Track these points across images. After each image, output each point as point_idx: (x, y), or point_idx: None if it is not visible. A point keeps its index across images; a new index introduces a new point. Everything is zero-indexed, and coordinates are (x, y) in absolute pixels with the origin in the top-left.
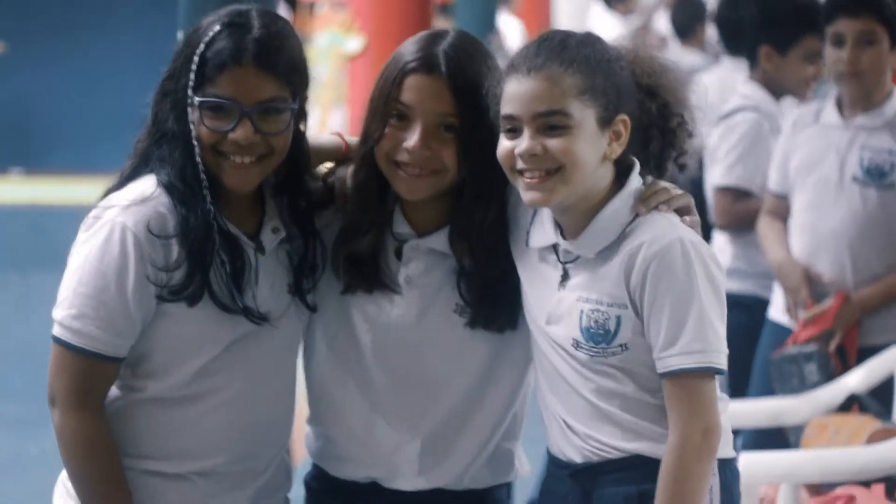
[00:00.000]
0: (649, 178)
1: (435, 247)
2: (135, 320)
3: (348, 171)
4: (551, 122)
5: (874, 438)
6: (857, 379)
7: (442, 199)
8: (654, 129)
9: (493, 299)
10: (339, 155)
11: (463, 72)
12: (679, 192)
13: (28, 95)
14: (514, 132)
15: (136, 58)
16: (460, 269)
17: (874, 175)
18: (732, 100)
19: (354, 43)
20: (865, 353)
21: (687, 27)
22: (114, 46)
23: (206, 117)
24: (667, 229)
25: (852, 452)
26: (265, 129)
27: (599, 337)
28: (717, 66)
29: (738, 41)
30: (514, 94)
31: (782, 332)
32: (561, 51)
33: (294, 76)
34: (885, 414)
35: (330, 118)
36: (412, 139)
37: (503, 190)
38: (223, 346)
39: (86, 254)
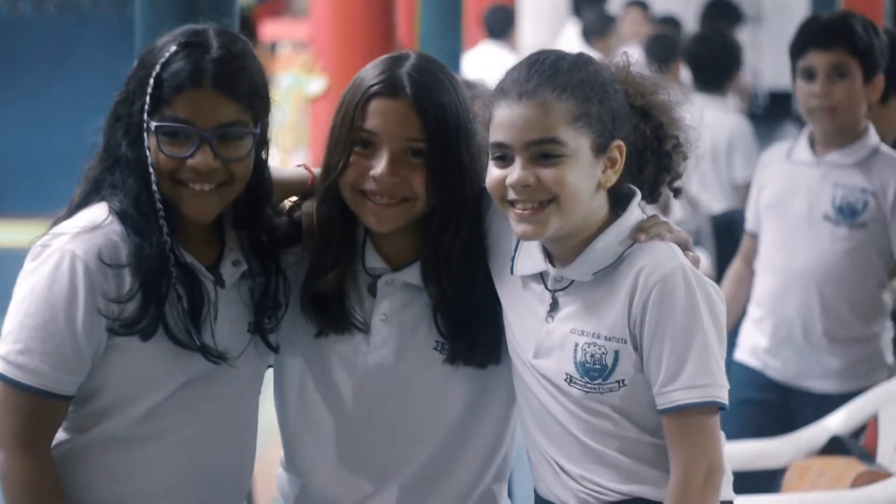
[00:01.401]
0: (649, 210)
1: (410, 280)
2: (84, 355)
3: (315, 205)
4: (544, 151)
5: (859, 482)
6: (840, 421)
7: (415, 230)
8: (649, 152)
9: (471, 332)
10: (306, 188)
11: (429, 94)
12: (679, 229)
13: None
14: (505, 160)
15: (94, 100)
16: (435, 300)
17: (846, 213)
18: None
19: (316, 84)
20: (845, 398)
21: (661, 64)
22: (71, 88)
23: (163, 143)
24: (668, 256)
25: (838, 496)
26: (225, 156)
27: (595, 372)
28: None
29: (708, 77)
30: (505, 121)
31: (749, 373)
32: (553, 75)
33: (255, 100)
34: (868, 456)
35: (291, 161)
36: (379, 166)
37: (473, 215)
38: (177, 384)
39: (33, 284)
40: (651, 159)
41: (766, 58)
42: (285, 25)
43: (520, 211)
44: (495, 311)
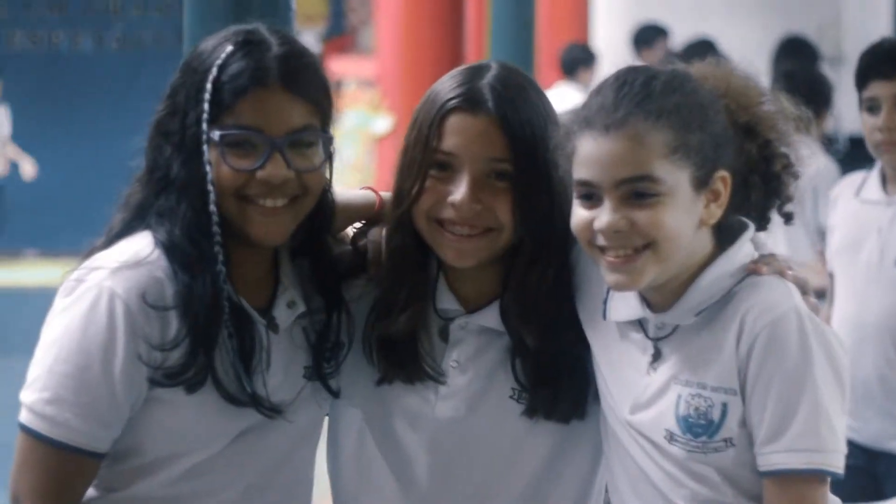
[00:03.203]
0: (763, 245)
1: (487, 324)
2: (122, 408)
3: (383, 233)
4: (638, 190)
5: None
6: None
7: (494, 266)
8: (756, 175)
9: (555, 383)
10: (372, 213)
11: (514, 108)
12: (798, 270)
13: (41, 174)
14: (591, 199)
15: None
16: (515, 346)
17: None
18: None
19: (383, 123)
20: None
21: None
22: (129, 125)
23: (227, 155)
24: (782, 297)
25: None
26: (299, 165)
27: (700, 428)
28: None
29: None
30: (591, 156)
31: None
32: (645, 99)
33: (324, 100)
34: None
35: None
36: (459, 192)
37: (565, 249)
38: (226, 440)
39: (65, 324)
40: (758, 183)
41: (847, 100)
42: (352, 62)
43: (611, 259)
44: (582, 358)
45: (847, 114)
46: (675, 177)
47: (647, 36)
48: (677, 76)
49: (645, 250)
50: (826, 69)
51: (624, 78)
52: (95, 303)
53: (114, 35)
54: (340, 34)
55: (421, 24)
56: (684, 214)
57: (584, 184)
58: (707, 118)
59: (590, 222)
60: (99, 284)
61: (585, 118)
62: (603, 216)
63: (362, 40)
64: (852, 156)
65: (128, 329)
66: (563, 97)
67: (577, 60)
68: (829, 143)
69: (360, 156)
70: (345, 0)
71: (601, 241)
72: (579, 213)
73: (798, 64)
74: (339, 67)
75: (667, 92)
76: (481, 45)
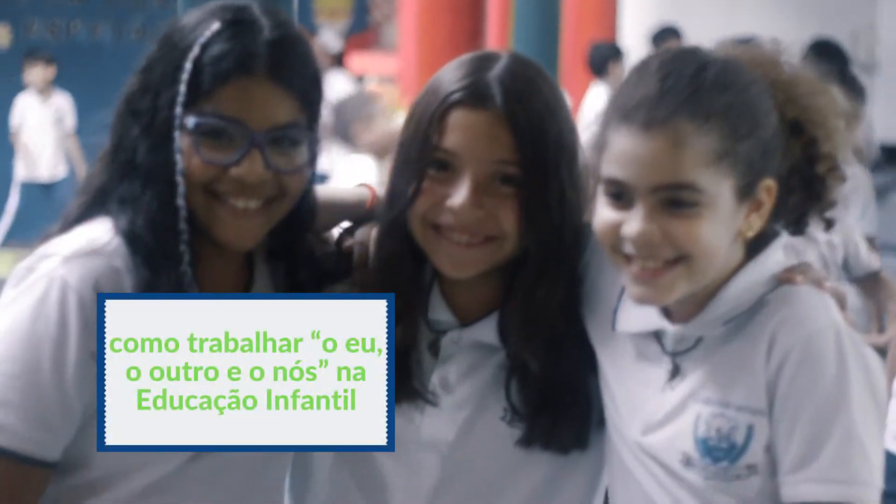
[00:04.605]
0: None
1: (482, 338)
2: (73, 411)
3: (372, 234)
4: (675, 198)
5: None
6: None
7: (495, 275)
8: (797, 176)
9: (555, 409)
10: (363, 212)
11: (524, 104)
12: (835, 282)
13: None
14: (621, 199)
15: None
16: (513, 365)
17: None
18: None
19: (401, 120)
20: None
21: None
22: None
23: (200, 145)
24: (819, 310)
25: None
26: (278, 165)
27: (721, 452)
28: None
29: None
30: (626, 154)
31: (892, 461)
32: (692, 96)
33: (314, 95)
34: None
35: None
36: (459, 196)
37: (575, 260)
38: (187, 455)
39: (13, 318)
40: (799, 185)
41: (879, 108)
42: (374, 59)
43: (637, 269)
44: (587, 380)
45: (879, 121)
46: (718, 186)
47: (659, 39)
48: (728, 69)
49: (676, 264)
50: (859, 75)
51: (670, 67)
52: (46, 294)
53: (133, 26)
54: (363, 30)
55: (441, 21)
56: (723, 227)
57: (615, 182)
58: (758, 122)
59: (617, 225)
60: (50, 274)
61: (623, 109)
62: (633, 222)
63: (386, 37)
64: (883, 164)
65: (81, 323)
66: (600, 98)
67: (606, 57)
68: (859, 150)
69: None
70: None
71: (628, 248)
72: (605, 214)
73: (829, 67)
74: (361, 64)
75: (717, 88)
76: (504, 42)
